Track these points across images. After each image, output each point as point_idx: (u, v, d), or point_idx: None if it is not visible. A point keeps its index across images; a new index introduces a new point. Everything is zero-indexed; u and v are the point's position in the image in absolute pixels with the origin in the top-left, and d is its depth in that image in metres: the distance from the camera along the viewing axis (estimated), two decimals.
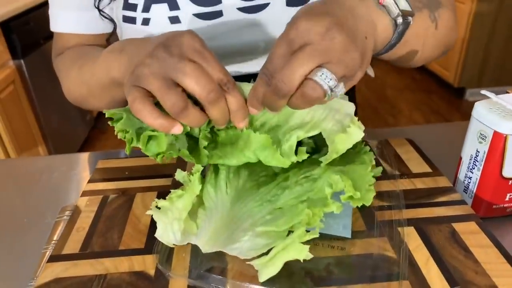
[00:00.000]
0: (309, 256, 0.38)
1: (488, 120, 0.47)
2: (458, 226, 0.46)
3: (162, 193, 0.54)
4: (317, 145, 0.52)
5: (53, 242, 0.48)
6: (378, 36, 0.41)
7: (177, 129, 0.38)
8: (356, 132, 0.41)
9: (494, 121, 0.46)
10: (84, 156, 0.70)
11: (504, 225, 0.50)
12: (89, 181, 0.57)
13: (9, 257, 0.49)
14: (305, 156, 0.43)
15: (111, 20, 0.61)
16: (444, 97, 2.96)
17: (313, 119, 0.43)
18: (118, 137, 0.43)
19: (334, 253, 0.43)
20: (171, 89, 0.36)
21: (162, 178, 0.57)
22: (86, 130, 2.56)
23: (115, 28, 0.62)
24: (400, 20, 0.42)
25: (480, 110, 0.49)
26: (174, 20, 0.56)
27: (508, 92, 0.52)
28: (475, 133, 0.49)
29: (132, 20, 0.57)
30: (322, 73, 0.35)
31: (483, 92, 0.50)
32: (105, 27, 0.63)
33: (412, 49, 0.50)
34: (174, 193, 0.43)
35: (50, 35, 2.00)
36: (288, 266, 0.39)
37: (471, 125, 0.50)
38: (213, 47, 0.57)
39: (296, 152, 0.49)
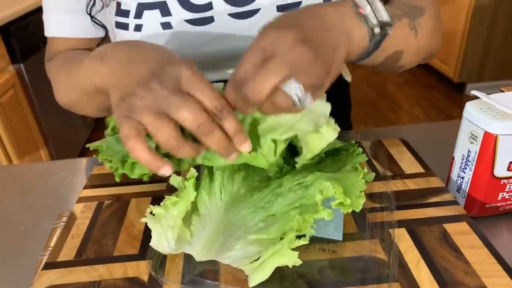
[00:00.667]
0: (299, 262, 0.39)
1: (479, 120, 0.47)
2: (449, 227, 0.46)
3: (157, 198, 0.54)
4: None
5: (50, 248, 0.49)
6: (353, 46, 0.42)
7: (167, 171, 0.38)
8: (330, 133, 0.42)
9: (485, 121, 0.47)
10: (83, 162, 0.71)
11: (497, 225, 0.50)
12: (85, 187, 0.58)
13: (7, 263, 0.50)
14: (283, 146, 0.44)
15: (103, 26, 0.61)
16: (445, 92, 2.96)
17: (287, 121, 0.43)
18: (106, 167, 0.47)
19: (326, 256, 0.43)
20: (163, 124, 0.36)
21: (156, 183, 0.57)
22: (87, 132, 2.56)
23: (106, 34, 0.62)
24: (377, 30, 0.42)
25: (470, 111, 0.49)
26: (166, 26, 0.56)
27: (502, 91, 0.53)
28: (466, 133, 0.50)
29: (124, 26, 0.57)
30: (290, 84, 0.36)
31: (474, 92, 0.50)
32: (98, 32, 0.63)
33: (391, 56, 0.51)
34: (169, 199, 0.43)
35: None
36: (280, 269, 0.40)
37: (462, 125, 0.51)
38: (205, 53, 0.57)
39: (289, 155, 0.49)
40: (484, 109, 0.48)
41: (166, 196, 0.44)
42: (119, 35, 0.59)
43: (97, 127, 2.73)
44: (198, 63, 0.54)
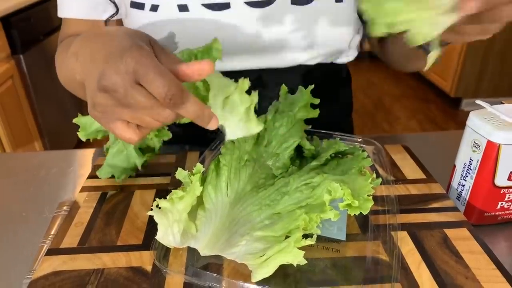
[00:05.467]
0: (304, 261, 0.39)
1: (482, 129, 0.48)
2: (450, 232, 0.47)
3: (161, 191, 0.54)
4: (317, 152, 0.53)
5: (51, 236, 0.49)
6: None
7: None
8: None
9: (488, 130, 0.48)
10: (82, 153, 0.71)
11: (495, 233, 0.51)
12: (88, 177, 0.58)
13: (7, 250, 0.50)
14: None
15: (114, 2, 0.61)
16: (441, 106, 2.99)
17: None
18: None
19: (329, 254, 0.44)
20: (137, 114, 0.36)
21: (160, 176, 0.58)
22: None
23: (116, 13, 0.62)
24: None
25: (474, 120, 0.50)
26: (183, 8, 0.57)
27: (502, 103, 0.54)
28: (469, 142, 0.51)
29: (140, 6, 0.57)
30: None
31: (478, 102, 0.51)
32: (105, 12, 0.62)
33: None
34: (175, 193, 0.43)
35: (50, 31, 1.99)
36: (283, 266, 0.40)
37: (465, 134, 0.51)
38: (219, 38, 0.57)
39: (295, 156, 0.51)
40: (488, 118, 0.49)
41: (171, 190, 0.44)
42: (133, 16, 0.59)
43: None
44: None
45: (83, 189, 0.55)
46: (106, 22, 0.63)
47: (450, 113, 2.90)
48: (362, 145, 0.59)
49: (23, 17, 1.87)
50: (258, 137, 0.52)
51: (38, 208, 0.56)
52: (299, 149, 0.53)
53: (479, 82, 2.84)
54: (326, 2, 0.58)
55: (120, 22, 0.64)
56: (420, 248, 0.45)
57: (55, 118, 2.17)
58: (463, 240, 0.46)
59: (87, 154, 0.70)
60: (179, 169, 0.47)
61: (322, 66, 0.66)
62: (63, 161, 0.68)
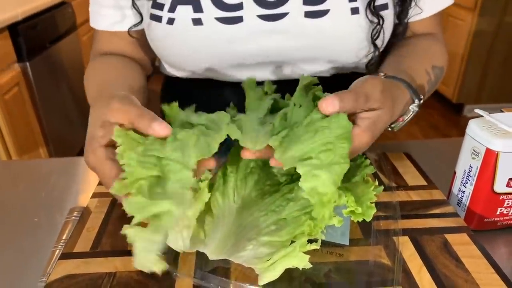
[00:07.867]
0: (309, 265, 0.40)
1: (481, 137, 0.50)
2: (450, 237, 0.48)
3: None
4: None
5: (63, 240, 0.50)
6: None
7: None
8: None
9: (487, 138, 0.49)
10: None
11: (495, 238, 0.52)
12: (99, 184, 0.60)
13: (21, 254, 0.51)
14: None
15: (140, 13, 0.64)
16: (443, 113, 3.00)
17: None
18: None
19: (333, 259, 0.45)
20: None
21: None
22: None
23: (139, 22, 0.64)
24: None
25: (473, 128, 0.51)
26: (197, 22, 0.59)
27: (502, 111, 0.55)
28: (468, 149, 0.52)
29: (158, 19, 0.60)
30: None
31: (477, 110, 0.53)
32: (131, 23, 0.66)
33: None
34: None
35: (56, 39, 2.01)
36: (289, 270, 0.42)
37: (465, 142, 0.53)
38: (232, 51, 0.61)
39: None
40: (486, 127, 0.51)
41: None
42: (152, 27, 0.62)
43: None
44: (225, 61, 0.59)
45: (94, 195, 0.57)
46: (130, 30, 0.66)
47: (452, 119, 2.92)
48: (364, 153, 0.60)
49: (30, 25, 1.90)
50: None
51: (49, 213, 0.58)
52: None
53: (481, 88, 2.85)
54: (341, 15, 0.58)
55: (142, 32, 0.66)
56: (421, 252, 0.46)
57: (60, 126, 2.19)
58: (463, 245, 0.47)
59: None
60: None
61: (339, 76, 0.67)
62: (71, 168, 0.70)
